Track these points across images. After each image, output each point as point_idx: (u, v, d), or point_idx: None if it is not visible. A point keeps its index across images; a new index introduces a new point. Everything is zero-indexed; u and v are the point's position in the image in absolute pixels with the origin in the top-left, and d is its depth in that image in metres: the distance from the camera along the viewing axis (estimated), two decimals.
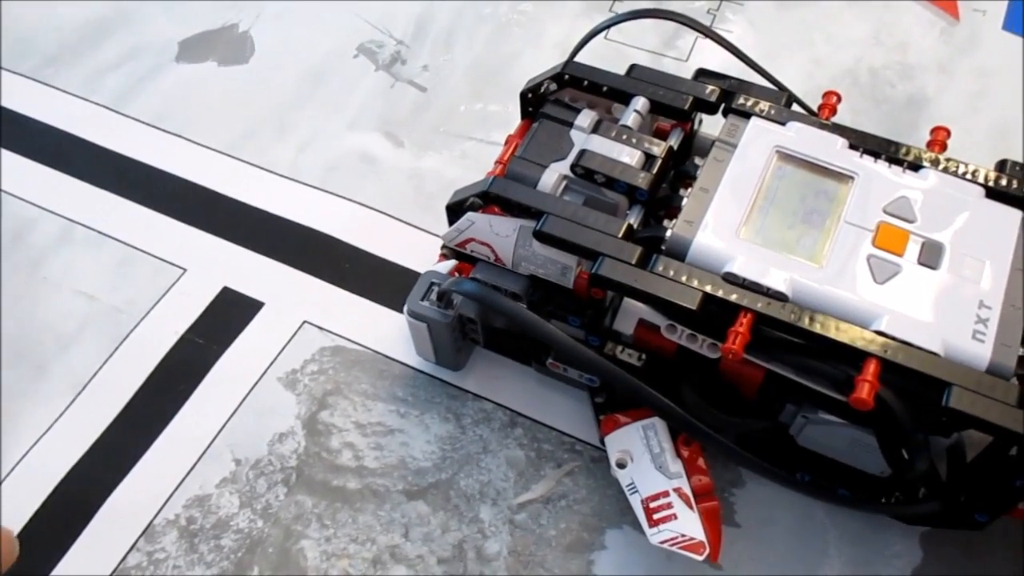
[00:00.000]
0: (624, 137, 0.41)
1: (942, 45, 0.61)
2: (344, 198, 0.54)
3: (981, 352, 0.34)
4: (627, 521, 0.43)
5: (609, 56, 0.60)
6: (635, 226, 0.39)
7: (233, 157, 0.57)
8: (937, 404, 0.33)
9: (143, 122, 0.58)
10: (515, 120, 0.46)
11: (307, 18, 0.64)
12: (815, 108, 0.44)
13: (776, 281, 0.36)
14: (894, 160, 0.40)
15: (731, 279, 0.37)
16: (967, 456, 0.39)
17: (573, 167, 0.40)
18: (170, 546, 0.42)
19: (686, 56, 0.61)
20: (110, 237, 0.53)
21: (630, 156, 0.40)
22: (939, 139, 0.42)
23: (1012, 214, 0.38)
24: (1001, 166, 0.40)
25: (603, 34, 0.56)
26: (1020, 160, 0.41)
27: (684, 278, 0.37)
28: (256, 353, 0.48)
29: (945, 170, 0.40)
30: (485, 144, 0.57)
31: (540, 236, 0.39)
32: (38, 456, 0.45)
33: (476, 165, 0.55)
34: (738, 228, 0.38)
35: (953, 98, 0.58)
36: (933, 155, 0.41)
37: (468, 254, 0.42)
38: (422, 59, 0.61)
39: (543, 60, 0.59)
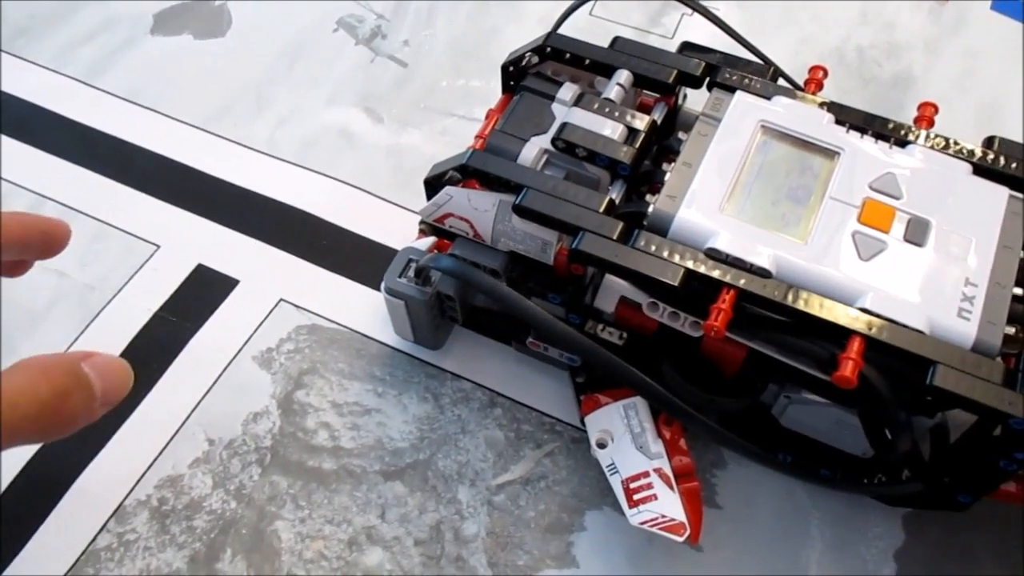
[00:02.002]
0: (607, 110, 0.40)
1: (930, 24, 0.60)
2: (322, 174, 0.53)
3: (966, 330, 0.34)
4: (607, 502, 0.42)
5: (593, 32, 0.59)
6: (617, 201, 0.38)
7: (209, 132, 0.55)
8: (921, 382, 0.33)
9: (116, 96, 0.57)
10: (497, 96, 0.45)
11: None
12: (801, 83, 0.43)
13: (760, 257, 0.35)
14: (881, 136, 0.40)
15: (714, 255, 0.36)
16: (950, 437, 0.38)
17: (554, 141, 0.39)
18: (141, 527, 0.41)
19: (672, 33, 0.60)
20: (81, 213, 0.52)
21: (612, 130, 0.39)
22: (926, 115, 0.42)
23: (999, 191, 0.38)
24: (989, 143, 0.40)
25: (587, 9, 0.55)
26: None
27: (666, 254, 0.36)
28: (231, 331, 0.47)
29: (932, 146, 0.39)
30: (466, 120, 0.56)
31: (520, 210, 0.38)
32: None
33: (457, 142, 0.54)
34: (721, 203, 0.37)
35: (940, 78, 0.58)
36: (920, 131, 0.40)
37: (447, 230, 0.41)
38: (403, 34, 0.60)
39: (526, 35, 0.57)
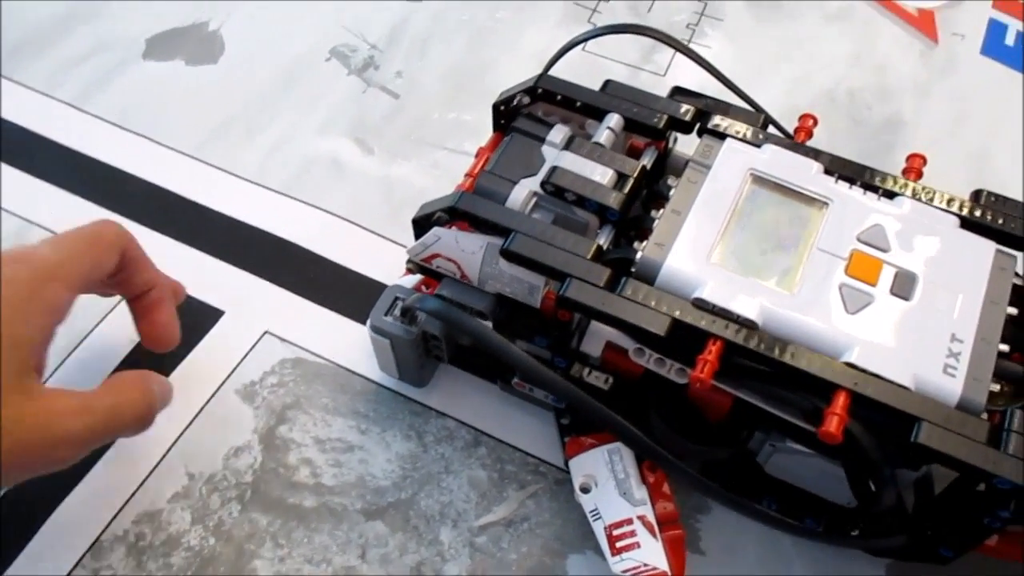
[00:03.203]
0: (596, 155, 0.40)
1: (920, 68, 0.61)
2: (311, 205, 0.53)
3: (952, 387, 0.34)
4: (590, 546, 0.42)
5: (586, 69, 0.59)
6: (605, 247, 0.38)
7: (198, 160, 0.55)
8: (906, 439, 0.33)
9: (107, 121, 0.57)
10: (489, 129, 0.45)
11: (279, 19, 0.62)
12: (792, 130, 0.44)
13: (746, 308, 0.35)
14: (869, 187, 0.40)
15: (701, 305, 0.36)
16: (935, 489, 0.38)
17: (543, 184, 0.39)
18: (117, 563, 0.41)
19: (664, 71, 0.60)
20: None
21: (602, 175, 0.39)
22: (915, 167, 0.42)
23: (986, 246, 0.38)
24: (976, 196, 0.40)
25: (580, 46, 0.55)
26: (995, 189, 0.40)
27: (653, 303, 0.36)
28: (214, 363, 0.47)
29: (920, 199, 0.39)
30: (457, 154, 0.55)
31: (507, 255, 0.38)
32: None
33: (447, 175, 0.54)
34: (710, 252, 0.37)
35: (930, 122, 0.58)
36: (908, 183, 0.40)
37: (434, 269, 0.41)
38: (396, 65, 0.60)
39: (520, 69, 0.58)
